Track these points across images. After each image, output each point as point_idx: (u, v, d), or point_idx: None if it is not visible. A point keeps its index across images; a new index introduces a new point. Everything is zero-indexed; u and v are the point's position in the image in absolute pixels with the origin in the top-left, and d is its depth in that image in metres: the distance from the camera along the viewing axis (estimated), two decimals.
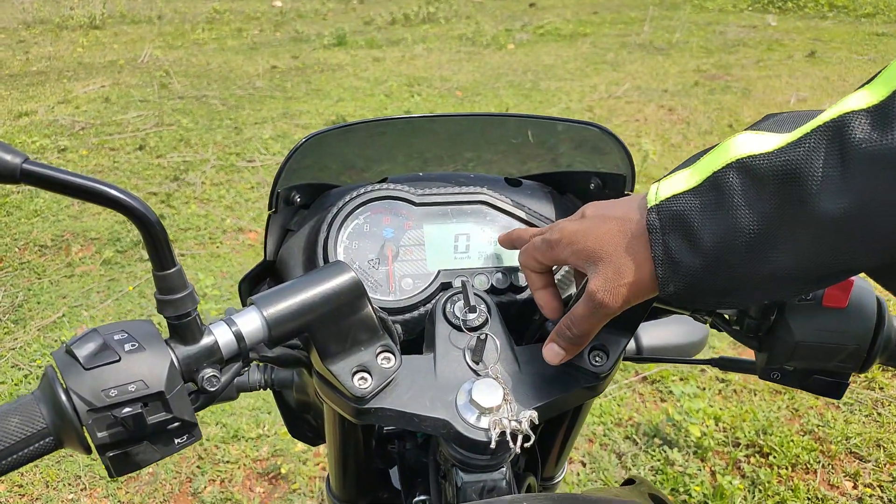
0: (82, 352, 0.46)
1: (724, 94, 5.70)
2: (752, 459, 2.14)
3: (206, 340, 0.50)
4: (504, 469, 0.60)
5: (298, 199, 0.77)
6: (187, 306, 0.48)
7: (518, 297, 0.70)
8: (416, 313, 0.69)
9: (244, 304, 0.72)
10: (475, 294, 0.66)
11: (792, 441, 2.17)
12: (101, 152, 4.61)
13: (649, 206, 0.51)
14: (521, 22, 9.26)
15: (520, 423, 0.56)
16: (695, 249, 0.47)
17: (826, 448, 2.16)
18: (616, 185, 0.78)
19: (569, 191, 0.83)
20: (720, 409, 2.32)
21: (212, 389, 0.50)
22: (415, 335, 0.69)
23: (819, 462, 2.11)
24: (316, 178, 0.80)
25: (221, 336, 0.51)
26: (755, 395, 2.39)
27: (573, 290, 0.73)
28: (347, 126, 0.74)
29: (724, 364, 0.72)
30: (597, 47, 7.65)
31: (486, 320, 0.65)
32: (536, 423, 0.56)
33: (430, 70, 6.88)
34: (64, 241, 3.45)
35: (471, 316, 0.64)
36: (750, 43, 7.62)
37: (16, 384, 2.45)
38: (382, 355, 0.58)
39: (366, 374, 0.57)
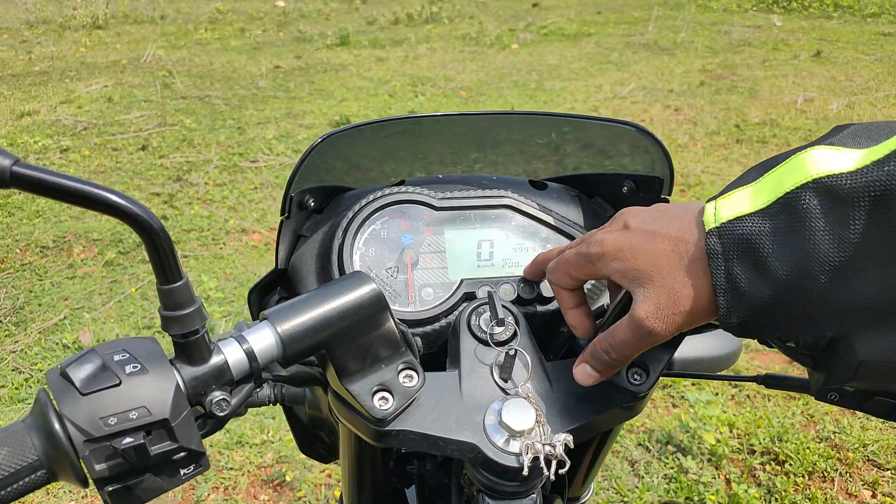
0: (79, 374, 0.42)
1: (730, 94, 5.65)
2: (768, 467, 2.09)
3: (214, 360, 0.46)
4: (534, 495, 0.56)
5: (312, 203, 0.73)
6: (195, 323, 0.44)
7: (545, 308, 0.66)
8: (437, 325, 0.65)
9: (254, 317, 0.68)
10: (502, 305, 0.62)
11: (808, 448, 2.12)
12: (104, 152, 4.57)
13: (708, 228, 0.46)
14: (524, 22, 9.21)
15: (554, 447, 0.51)
16: (764, 278, 0.43)
17: (843, 456, 2.11)
18: (651, 188, 0.74)
19: (597, 194, 0.79)
20: (734, 415, 2.28)
21: (221, 414, 0.46)
22: (435, 348, 0.65)
23: (836, 470, 2.06)
24: (330, 180, 0.76)
25: (232, 355, 0.47)
26: (769, 400, 2.35)
27: (603, 302, 0.68)
28: (364, 125, 0.70)
29: (772, 382, 0.68)
30: (601, 47, 7.60)
31: (515, 334, 0.60)
32: (571, 447, 0.52)
33: (433, 70, 6.84)
34: (66, 242, 3.41)
35: (498, 329, 0.60)
36: (755, 43, 7.57)
37: (16, 388, 2.41)
38: (404, 373, 0.54)
39: (387, 394, 0.53)
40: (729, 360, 0.82)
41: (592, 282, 0.67)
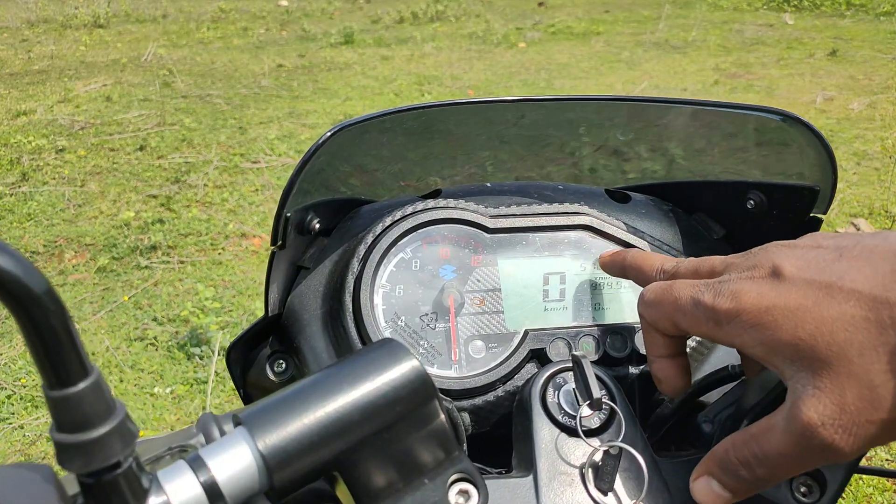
0: None
1: (746, 93, 5.48)
2: None
3: None
4: None
5: (317, 224, 0.55)
6: (113, 452, 0.26)
7: (640, 369, 0.49)
8: (492, 396, 0.48)
9: (236, 384, 0.52)
10: (596, 376, 0.43)
11: None
12: (100, 153, 4.43)
13: None
14: (531, 20, 9.05)
15: None
16: None
17: None
18: (794, 203, 0.54)
19: (700, 208, 0.61)
20: None
21: None
22: (489, 426, 0.49)
23: None
24: (341, 191, 0.59)
25: (181, 493, 0.29)
26: None
27: (707, 365, 0.52)
28: (386, 114, 0.52)
29: None
30: (611, 46, 7.44)
31: (612, 417, 0.43)
32: None
33: (440, 68, 6.69)
34: (57, 247, 3.26)
35: (588, 412, 0.42)
36: (768, 41, 7.40)
37: None
38: (458, 488, 0.36)
39: None
40: None
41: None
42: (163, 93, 5.79)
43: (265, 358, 0.54)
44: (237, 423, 0.31)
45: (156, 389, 2.33)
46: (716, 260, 0.41)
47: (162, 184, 3.94)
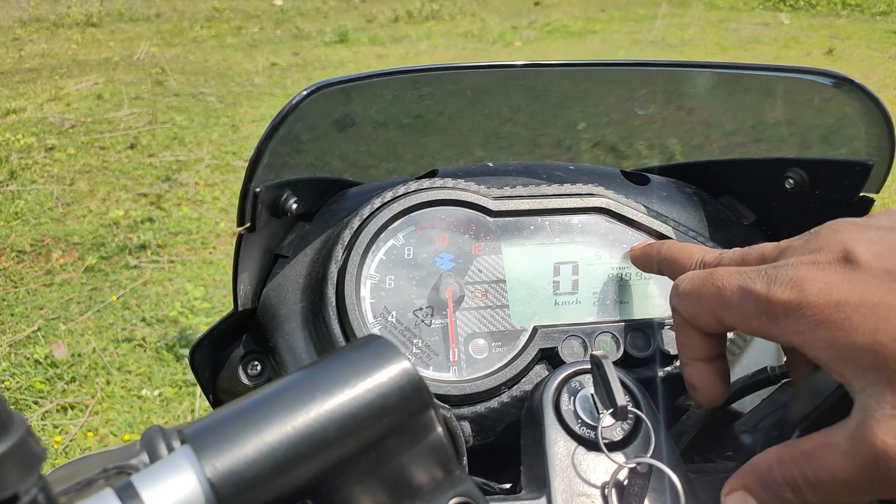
0: None
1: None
2: None
3: None
4: None
5: (295, 206, 0.48)
6: (8, 482, 0.19)
7: (666, 371, 0.43)
8: (496, 403, 0.42)
9: (204, 390, 0.46)
10: (621, 381, 0.37)
11: None
12: (90, 151, 4.35)
13: None
14: (527, 19, 9.00)
15: None
16: None
17: None
18: (842, 181, 0.47)
19: (728, 191, 0.55)
20: None
21: None
22: (493, 437, 0.43)
23: None
24: (324, 169, 0.52)
25: None
26: None
27: (739, 367, 0.46)
28: (375, 75, 0.45)
29: None
30: (607, 44, 7.40)
31: (638, 427, 0.37)
32: None
33: None
34: (44, 246, 3.19)
35: (609, 422, 0.36)
36: (765, 40, 7.39)
37: None
38: None
39: None
40: None
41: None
42: (155, 91, 5.72)
43: (238, 359, 0.48)
44: (183, 441, 0.25)
45: (144, 392, 2.27)
46: (767, 246, 0.36)
47: (152, 182, 3.87)
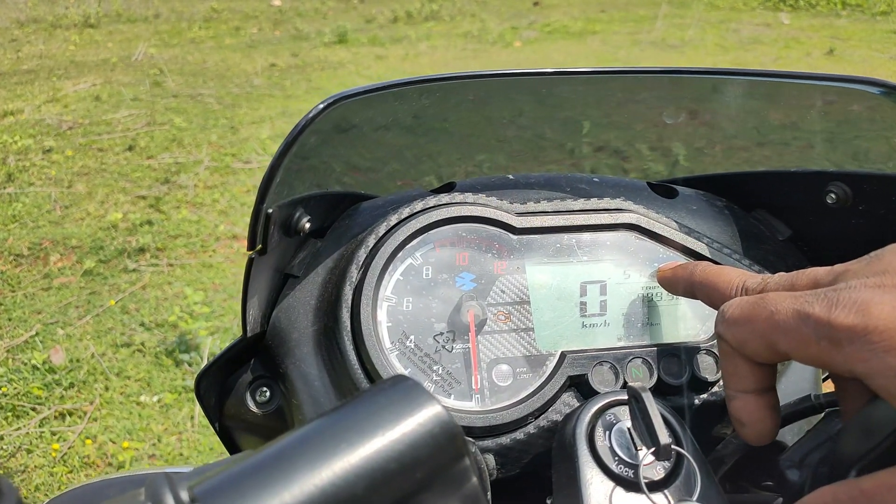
0: None
1: None
2: None
3: None
4: None
5: (308, 224, 0.45)
6: None
7: (702, 399, 0.41)
8: (522, 434, 0.39)
9: (209, 418, 0.43)
10: (661, 414, 0.34)
11: None
12: (88, 153, 4.32)
13: None
14: (527, 20, 8.98)
15: None
16: None
17: None
18: (890, 196, 0.45)
19: (759, 205, 0.53)
20: None
21: None
22: (517, 470, 0.40)
23: None
24: (336, 183, 0.50)
25: None
26: None
27: (784, 379, 0.43)
28: (390, 87, 0.42)
29: None
30: (608, 45, 7.38)
31: (682, 466, 0.34)
32: None
33: (435, 67, 6.61)
34: (42, 249, 3.16)
35: (650, 460, 0.34)
36: (766, 41, 7.38)
37: None
38: None
39: None
40: None
41: None
42: (153, 92, 5.69)
43: (245, 385, 0.45)
44: (192, 501, 0.22)
45: (143, 398, 2.24)
46: (819, 271, 0.33)
47: (151, 184, 3.84)
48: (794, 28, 8.10)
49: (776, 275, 0.35)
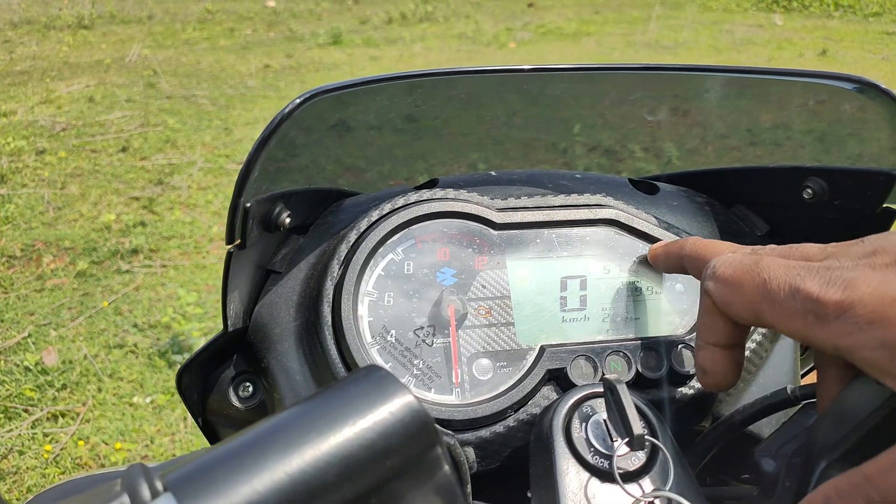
0: None
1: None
2: None
3: None
4: None
5: (288, 219, 0.46)
6: None
7: (680, 392, 0.41)
8: (502, 427, 0.40)
9: (192, 413, 0.43)
10: (636, 407, 0.35)
11: None
12: (82, 154, 4.31)
13: None
14: (521, 21, 9.00)
15: None
16: None
17: None
18: (864, 192, 0.46)
19: (739, 200, 0.53)
20: None
21: None
22: (497, 463, 0.41)
23: None
24: (318, 179, 0.50)
25: None
26: None
27: (755, 386, 0.44)
28: (370, 82, 0.43)
29: None
30: (602, 46, 7.40)
31: (657, 458, 0.35)
32: None
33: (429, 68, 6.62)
34: (35, 250, 3.15)
35: (624, 451, 0.34)
36: (759, 42, 7.41)
37: None
38: None
39: None
40: None
41: (760, 336, 0.43)
42: (147, 93, 5.68)
43: (228, 380, 0.46)
44: (165, 489, 0.23)
45: (135, 399, 2.24)
46: (812, 248, 0.33)
47: (144, 186, 3.84)
48: (787, 29, 8.14)
49: (768, 246, 0.36)
